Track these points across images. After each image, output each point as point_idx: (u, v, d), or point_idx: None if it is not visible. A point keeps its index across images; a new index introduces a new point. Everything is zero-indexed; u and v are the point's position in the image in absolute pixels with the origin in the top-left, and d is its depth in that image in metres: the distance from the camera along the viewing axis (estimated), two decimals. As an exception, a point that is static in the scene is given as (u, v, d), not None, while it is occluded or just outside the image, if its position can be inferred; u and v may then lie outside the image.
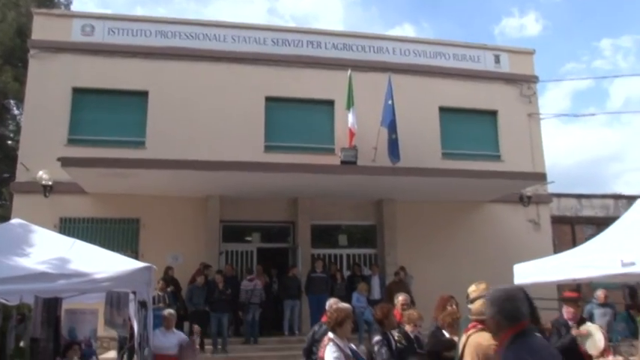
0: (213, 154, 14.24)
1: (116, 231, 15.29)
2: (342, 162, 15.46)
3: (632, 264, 7.78)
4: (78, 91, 15.83)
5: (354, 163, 15.35)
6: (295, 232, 16.26)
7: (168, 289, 12.75)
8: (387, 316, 6.27)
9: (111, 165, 13.12)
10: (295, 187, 15.02)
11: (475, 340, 4.77)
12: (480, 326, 4.87)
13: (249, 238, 16.74)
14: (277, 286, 14.88)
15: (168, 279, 13.44)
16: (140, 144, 15.66)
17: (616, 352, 9.52)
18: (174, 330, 8.37)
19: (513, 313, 3.08)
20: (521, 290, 3.73)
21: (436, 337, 6.40)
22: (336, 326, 5.55)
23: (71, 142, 15.32)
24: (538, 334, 3.13)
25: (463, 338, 5.00)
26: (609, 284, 12.92)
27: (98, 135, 15.61)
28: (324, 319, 6.14)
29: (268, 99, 16.76)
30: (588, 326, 6.89)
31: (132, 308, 7.97)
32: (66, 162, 12.78)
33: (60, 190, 14.68)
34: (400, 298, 7.66)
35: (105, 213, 15.14)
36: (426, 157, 16.13)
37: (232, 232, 16.31)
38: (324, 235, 16.81)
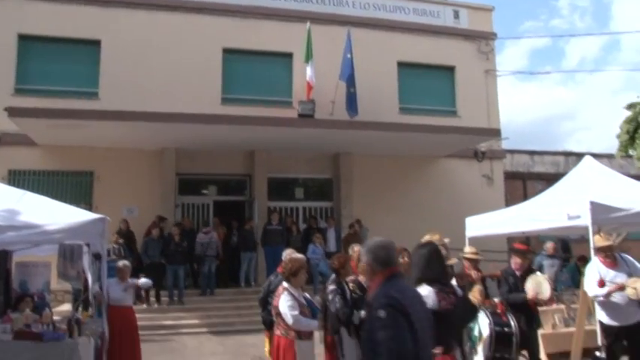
0: (168, 106, 13.95)
1: (69, 184, 15.00)
2: (300, 115, 15.41)
3: (578, 217, 8.09)
4: (25, 38, 15.20)
5: (312, 116, 15.33)
6: (252, 184, 16.26)
7: (120, 241, 12.64)
8: (344, 265, 6.41)
9: (61, 116, 12.77)
10: (252, 139, 14.93)
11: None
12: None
13: (205, 191, 16.66)
14: (237, 239, 14.93)
15: (123, 232, 13.33)
16: (93, 95, 15.22)
17: (559, 301, 9.99)
18: (129, 281, 8.34)
19: (385, 260, 3.39)
20: (435, 250, 4.29)
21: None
22: (290, 276, 5.64)
23: (19, 91, 14.78)
24: (403, 279, 3.47)
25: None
26: (554, 237, 13.44)
27: (48, 85, 15.10)
28: (279, 269, 6.23)
29: (226, 50, 16.47)
30: (536, 277, 7.14)
31: (86, 260, 7.93)
32: (13, 112, 12.36)
33: (8, 142, 14.25)
34: (355, 249, 7.75)
35: (57, 165, 14.80)
36: (383, 112, 16.20)
37: (188, 185, 16.20)
38: (280, 188, 16.85)
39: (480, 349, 5.98)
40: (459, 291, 4.42)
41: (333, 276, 6.31)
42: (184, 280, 13.63)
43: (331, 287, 6.21)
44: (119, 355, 7.75)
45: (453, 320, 4.10)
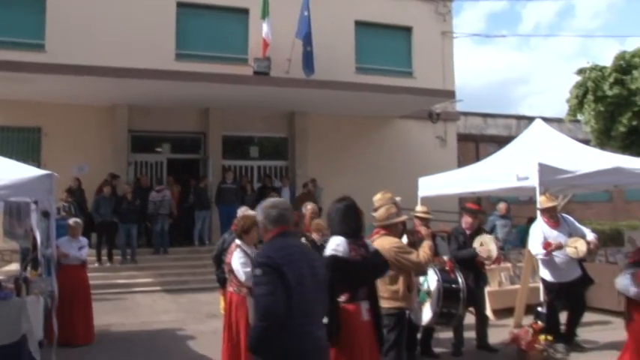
0: (120, 61, 13.48)
1: (15, 140, 14.54)
2: (255, 73, 15.20)
3: (526, 178, 8.32)
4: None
5: (267, 74, 15.13)
6: (206, 143, 16.08)
7: (70, 199, 12.39)
8: (297, 223, 6.47)
9: (4, 68, 12.18)
10: (207, 97, 14.69)
11: (378, 245, 5.01)
12: (383, 232, 5.12)
13: (159, 149, 16.39)
14: (193, 197, 14.79)
15: (73, 189, 13.05)
16: (39, 47, 14.58)
17: (506, 260, 10.34)
18: (81, 239, 8.21)
19: (276, 218, 3.52)
20: (351, 205, 4.53)
21: (340, 244, 6.63)
22: (242, 233, 5.65)
23: (-43, 42, 14.08)
24: (295, 236, 3.70)
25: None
26: (507, 197, 13.79)
27: (-10, 36, 14.41)
28: (233, 227, 6.22)
29: (180, 4, 15.98)
30: (484, 237, 7.34)
31: (33, 218, 7.73)
32: (-47, 64, 11.80)
33: (-50, 96, 13.63)
34: (308, 207, 7.80)
35: (2, 121, 14.27)
36: (339, 71, 16.10)
37: (141, 143, 15.90)
38: (235, 147, 16.73)
39: (427, 305, 6.15)
40: (372, 247, 4.56)
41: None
42: (137, 239, 13.50)
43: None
44: (70, 314, 7.70)
45: (360, 272, 4.30)
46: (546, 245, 7.12)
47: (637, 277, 4.24)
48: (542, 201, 7.60)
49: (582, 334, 7.61)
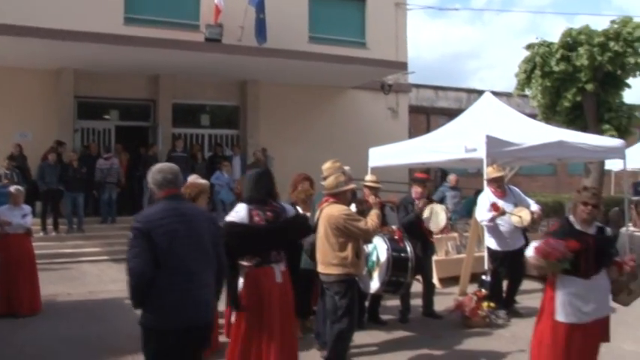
0: (66, 23, 12.85)
1: (-50, 106, 13.89)
2: (207, 39, 14.87)
3: (474, 150, 8.51)
4: None
5: (219, 41, 14.83)
6: (156, 110, 15.75)
7: (13, 165, 11.97)
8: (241, 192, 6.45)
9: None
10: (157, 63, 14.31)
11: (327, 212, 5.09)
12: (332, 200, 5.19)
13: (107, 116, 15.97)
14: (142, 166, 14.47)
15: (16, 157, 12.58)
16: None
17: (453, 229, 10.60)
18: (24, 206, 7.97)
19: (161, 183, 3.74)
20: (263, 173, 4.77)
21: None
22: (190, 201, 5.61)
23: None
24: (181, 200, 3.87)
25: (317, 212, 5.31)
26: (456, 169, 14.08)
27: None
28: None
29: (129, -34, 15.44)
30: (434, 206, 7.49)
31: (-27, 185, 7.48)
32: None
33: None
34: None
35: (-63, 84, 13.61)
36: (292, 40, 15.90)
37: (88, 109, 15.44)
38: (186, 115, 16.46)
39: (376, 274, 6.25)
40: (291, 211, 4.74)
41: (236, 201, 6.37)
42: (84, 208, 13.20)
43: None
44: (16, 284, 7.55)
45: (263, 236, 4.47)
46: (494, 206, 7.33)
47: (539, 249, 4.55)
48: (489, 171, 7.81)
49: (522, 301, 7.90)
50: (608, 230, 4.88)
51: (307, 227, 4.94)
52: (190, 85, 15.76)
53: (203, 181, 6.10)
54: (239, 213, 4.51)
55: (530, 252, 4.61)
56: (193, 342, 3.64)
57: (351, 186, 5.38)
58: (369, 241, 5.79)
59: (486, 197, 7.67)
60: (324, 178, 5.55)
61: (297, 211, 5.20)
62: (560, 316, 4.66)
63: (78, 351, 6.06)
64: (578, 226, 4.78)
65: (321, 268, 5.27)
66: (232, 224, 4.46)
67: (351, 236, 5.14)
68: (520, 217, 7.20)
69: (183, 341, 3.56)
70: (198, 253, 3.63)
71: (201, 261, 3.64)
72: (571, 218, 4.82)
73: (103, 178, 13.24)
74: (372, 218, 5.22)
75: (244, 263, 4.48)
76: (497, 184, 7.72)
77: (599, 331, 4.66)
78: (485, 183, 8.15)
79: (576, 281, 4.67)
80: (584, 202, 4.72)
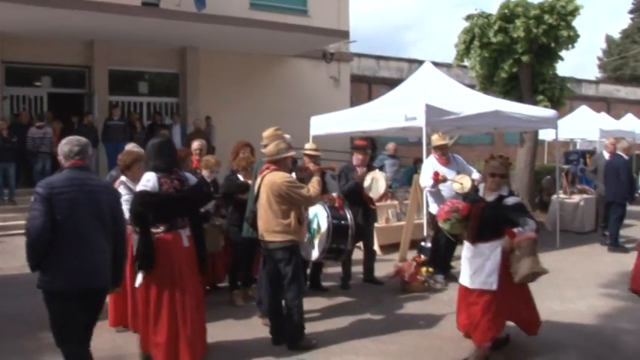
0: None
1: None
2: (144, 3, 14.33)
3: (414, 118, 8.62)
4: None
5: (157, 5, 14.36)
6: (91, 77, 15.18)
7: None
8: (184, 159, 6.37)
9: None
10: (91, 28, 13.72)
11: (269, 180, 5.07)
12: (273, 167, 5.17)
13: (38, 83, 15.30)
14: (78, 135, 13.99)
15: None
16: None
17: (393, 197, 10.75)
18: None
19: (67, 154, 4.01)
20: (165, 142, 4.99)
21: (231, 180, 6.62)
22: (125, 169, 5.63)
23: None
24: (86, 171, 4.07)
25: (258, 179, 5.27)
26: (397, 138, 14.25)
27: None
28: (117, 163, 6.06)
29: None
30: (374, 173, 7.56)
31: None
32: None
33: None
34: (195, 144, 7.68)
35: None
36: (233, 6, 15.56)
37: (18, 75, 14.73)
38: (123, 82, 15.96)
39: (317, 241, 6.30)
40: (192, 180, 4.94)
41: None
42: (16, 179, 12.70)
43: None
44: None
45: (173, 204, 4.71)
46: (435, 175, 7.50)
47: (441, 211, 4.98)
48: (434, 139, 7.99)
49: (458, 266, 8.12)
50: (509, 200, 4.90)
51: (210, 194, 5.31)
52: (127, 52, 15.24)
53: (138, 149, 5.99)
54: (150, 182, 4.65)
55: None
56: (88, 305, 3.96)
57: (292, 153, 5.37)
58: (309, 207, 5.83)
59: (430, 164, 7.86)
60: (265, 146, 5.51)
61: (202, 178, 5.84)
62: (460, 278, 5.11)
63: (13, 326, 5.89)
64: (481, 193, 5.03)
65: (263, 236, 5.25)
66: (145, 194, 4.60)
67: (294, 203, 5.14)
68: (461, 184, 7.40)
69: (79, 304, 3.86)
70: (96, 222, 3.90)
71: (98, 229, 3.91)
72: (482, 185, 5.08)
73: (36, 147, 12.74)
74: (314, 185, 5.24)
75: (153, 230, 4.65)
76: (442, 151, 7.90)
77: (479, 301, 4.86)
78: (424, 150, 8.30)
79: (466, 245, 5.02)
80: (492, 173, 4.89)
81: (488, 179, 4.93)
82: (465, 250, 5.03)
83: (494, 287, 4.76)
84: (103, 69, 15.10)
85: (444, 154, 7.91)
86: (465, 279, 4.98)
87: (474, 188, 7.56)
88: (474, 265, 4.86)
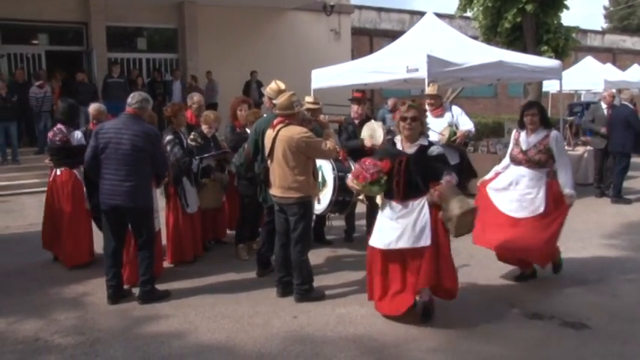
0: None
1: None
2: (140, -43, 14.12)
3: (416, 70, 8.51)
4: None
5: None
6: (89, 34, 15.04)
7: None
8: (176, 114, 6.32)
9: None
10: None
11: (285, 134, 4.96)
12: (286, 121, 5.06)
13: (35, 41, 15.12)
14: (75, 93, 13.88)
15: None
16: None
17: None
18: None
19: (129, 102, 5.15)
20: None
21: (239, 134, 6.56)
22: (172, 117, 5.92)
23: None
24: (135, 119, 5.07)
25: (270, 132, 5.14)
26: (400, 91, 14.14)
27: None
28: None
29: None
30: (371, 123, 7.45)
31: None
32: None
33: None
34: (195, 98, 7.55)
35: None
36: (231, -42, 15.34)
37: (14, 33, 14.63)
38: (121, 39, 15.82)
39: (322, 194, 6.31)
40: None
41: (169, 127, 6.27)
42: (18, 138, 12.68)
43: (168, 137, 6.14)
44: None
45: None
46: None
47: (353, 171, 4.62)
48: (428, 89, 7.89)
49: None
50: (434, 149, 4.47)
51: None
52: (125, 7, 15.07)
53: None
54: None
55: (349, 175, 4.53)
56: (123, 219, 5.16)
57: (306, 106, 5.30)
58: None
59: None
60: (269, 99, 5.45)
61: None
62: (372, 240, 4.56)
63: (23, 282, 5.96)
64: (399, 145, 4.48)
65: (278, 192, 5.11)
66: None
67: (312, 157, 5.10)
68: (443, 135, 7.41)
69: (116, 217, 5.13)
70: (122, 157, 4.99)
71: (123, 163, 4.99)
72: (398, 137, 4.53)
73: (38, 106, 12.68)
74: (329, 138, 5.19)
75: None
76: (432, 100, 7.78)
77: (413, 261, 4.39)
78: (426, 105, 8.22)
79: (392, 204, 4.45)
80: (402, 117, 4.39)
81: (400, 125, 4.40)
82: (386, 209, 4.54)
83: (426, 243, 4.34)
84: (100, 25, 14.94)
85: (435, 104, 7.80)
86: (382, 240, 4.49)
87: (450, 139, 7.51)
88: (401, 224, 4.38)
